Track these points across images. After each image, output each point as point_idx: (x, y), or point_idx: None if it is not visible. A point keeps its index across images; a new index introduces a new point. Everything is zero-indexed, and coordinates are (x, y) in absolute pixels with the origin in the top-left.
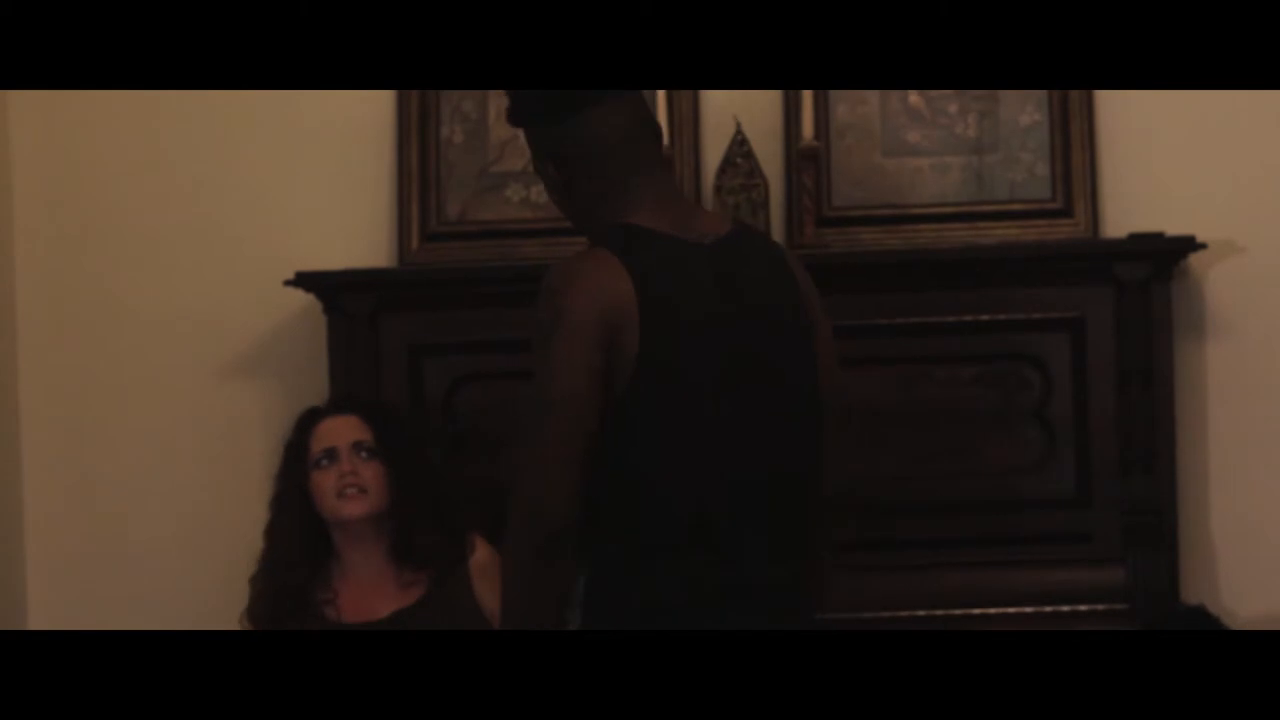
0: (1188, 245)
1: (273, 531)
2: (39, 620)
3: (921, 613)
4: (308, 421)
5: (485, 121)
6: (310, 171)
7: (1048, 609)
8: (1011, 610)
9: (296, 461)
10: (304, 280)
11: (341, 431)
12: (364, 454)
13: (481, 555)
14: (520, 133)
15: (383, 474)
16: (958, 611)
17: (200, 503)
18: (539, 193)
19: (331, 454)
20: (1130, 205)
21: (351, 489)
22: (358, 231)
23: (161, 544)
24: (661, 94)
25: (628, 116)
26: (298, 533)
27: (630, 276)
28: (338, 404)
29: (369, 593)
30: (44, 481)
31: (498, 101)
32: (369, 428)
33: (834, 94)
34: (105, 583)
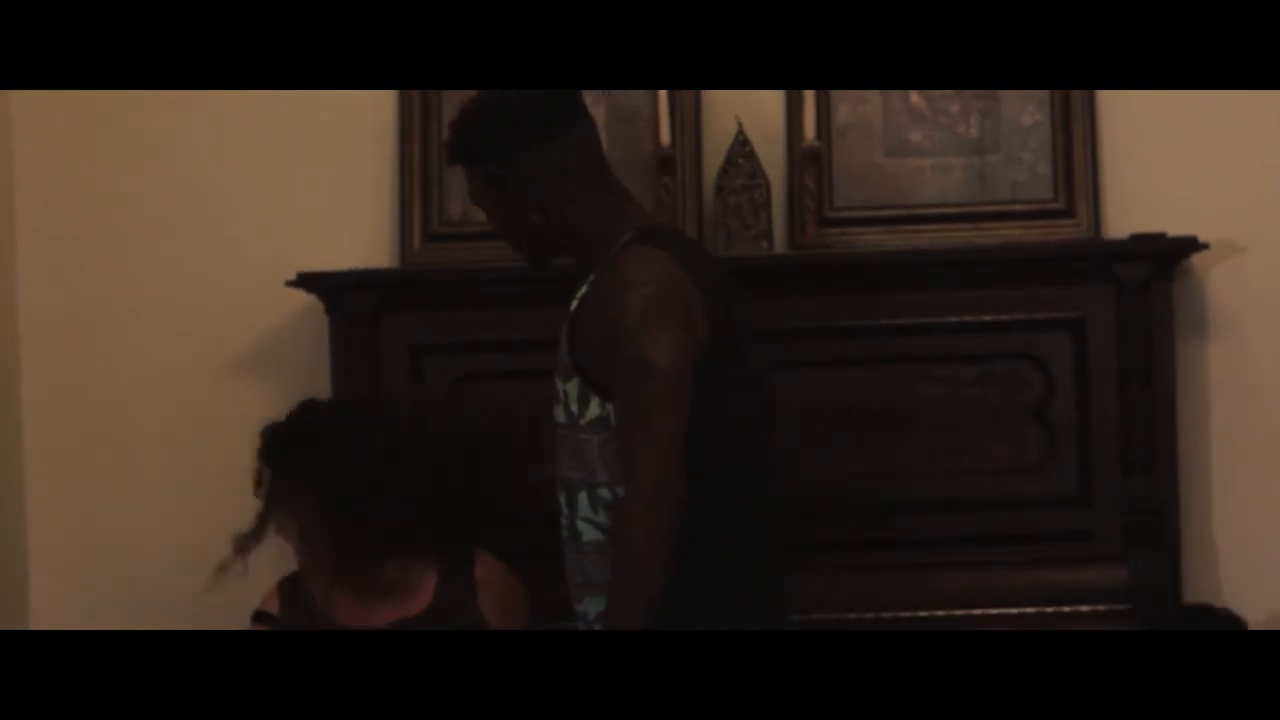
0: (1189, 245)
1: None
2: (41, 620)
3: (922, 613)
4: None
5: None
6: (312, 172)
7: (1048, 609)
8: (1012, 610)
9: None
10: (306, 280)
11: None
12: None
13: (487, 571)
14: None
15: (290, 527)
16: (958, 611)
17: (202, 502)
18: None
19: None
20: (1132, 205)
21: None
22: (359, 232)
23: (163, 544)
24: (663, 94)
25: (591, 123)
26: None
27: (684, 269)
28: (261, 449)
29: (364, 596)
30: (46, 481)
31: None
32: (261, 478)
33: (836, 94)
34: (107, 583)
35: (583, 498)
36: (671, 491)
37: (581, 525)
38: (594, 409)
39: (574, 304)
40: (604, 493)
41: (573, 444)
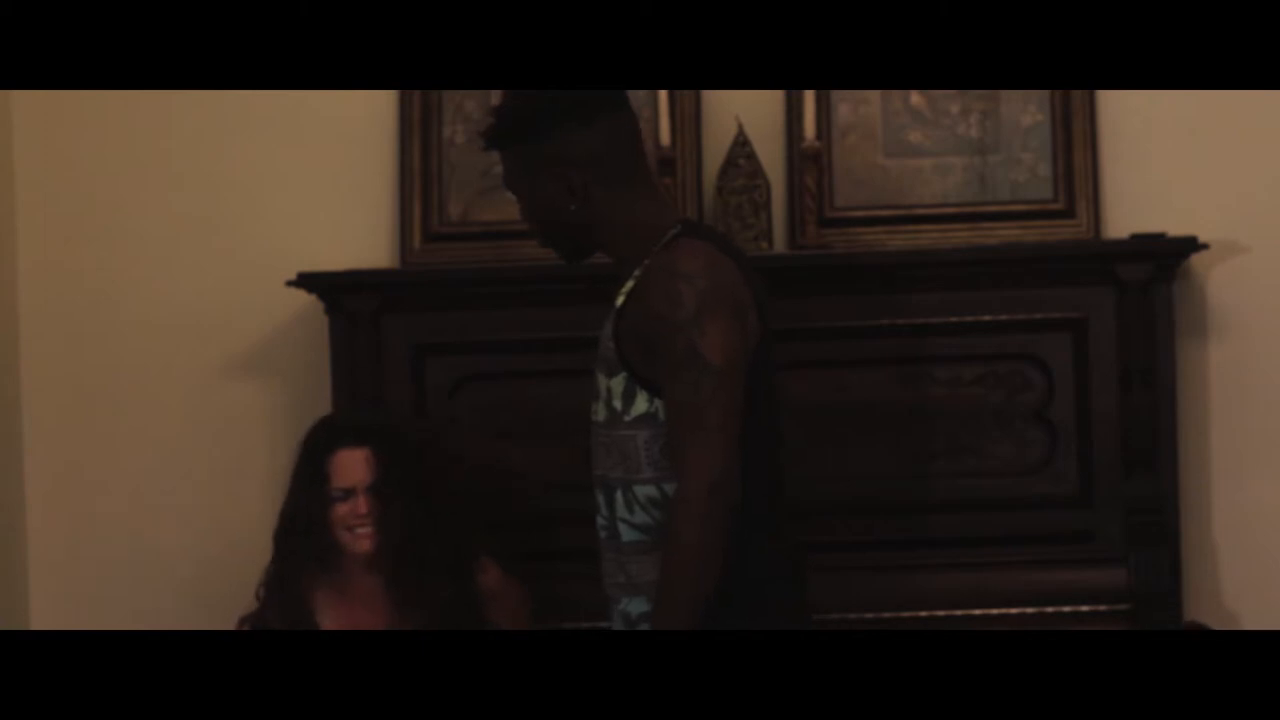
0: (1190, 246)
1: (281, 542)
2: (41, 620)
3: (922, 613)
4: (324, 446)
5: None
6: (312, 172)
7: (1049, 609)
8: (1012, 610)
9: (313, 483)
10: (306, 280)
11: (358, 469)
12: (376, 494)
13: (493, 579)
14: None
15: (390, 512)
16: (958, 612)
17: (201, 503)
18: None
19: (348, 492)
20: (1132, 205)
21: (364, 528)
22: (360, 232)
23: (163, 544)
24: (663, 94)
25: (633, 117)
26: (308, 546)
27: (735, 264)
28: (353, 432)
29: (363, 607)
30: (46, 481)
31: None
32: (380, 465)
33: (836, 94)
34: (107, 582)
35: (619, 497)
36: (725, 488)
37: (620, 526)
38: (641, 404)
39: (620, 299)
40: (647, 490)
41: (614, 441)
